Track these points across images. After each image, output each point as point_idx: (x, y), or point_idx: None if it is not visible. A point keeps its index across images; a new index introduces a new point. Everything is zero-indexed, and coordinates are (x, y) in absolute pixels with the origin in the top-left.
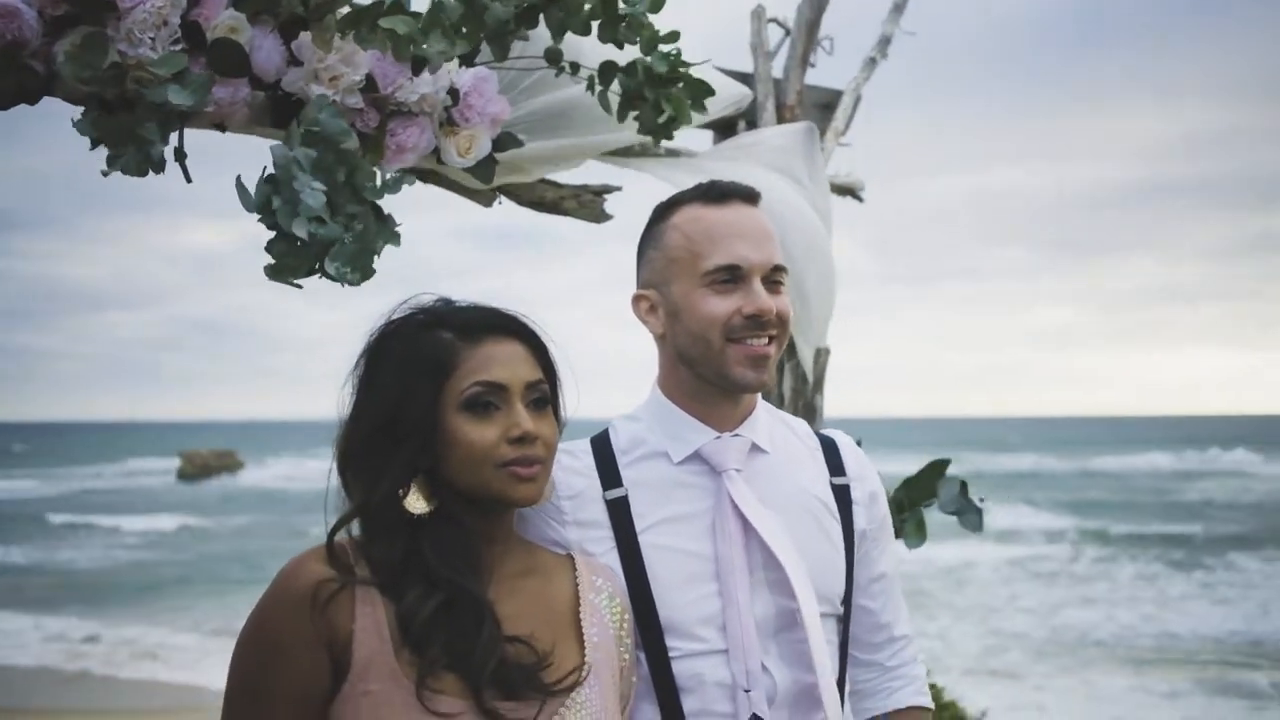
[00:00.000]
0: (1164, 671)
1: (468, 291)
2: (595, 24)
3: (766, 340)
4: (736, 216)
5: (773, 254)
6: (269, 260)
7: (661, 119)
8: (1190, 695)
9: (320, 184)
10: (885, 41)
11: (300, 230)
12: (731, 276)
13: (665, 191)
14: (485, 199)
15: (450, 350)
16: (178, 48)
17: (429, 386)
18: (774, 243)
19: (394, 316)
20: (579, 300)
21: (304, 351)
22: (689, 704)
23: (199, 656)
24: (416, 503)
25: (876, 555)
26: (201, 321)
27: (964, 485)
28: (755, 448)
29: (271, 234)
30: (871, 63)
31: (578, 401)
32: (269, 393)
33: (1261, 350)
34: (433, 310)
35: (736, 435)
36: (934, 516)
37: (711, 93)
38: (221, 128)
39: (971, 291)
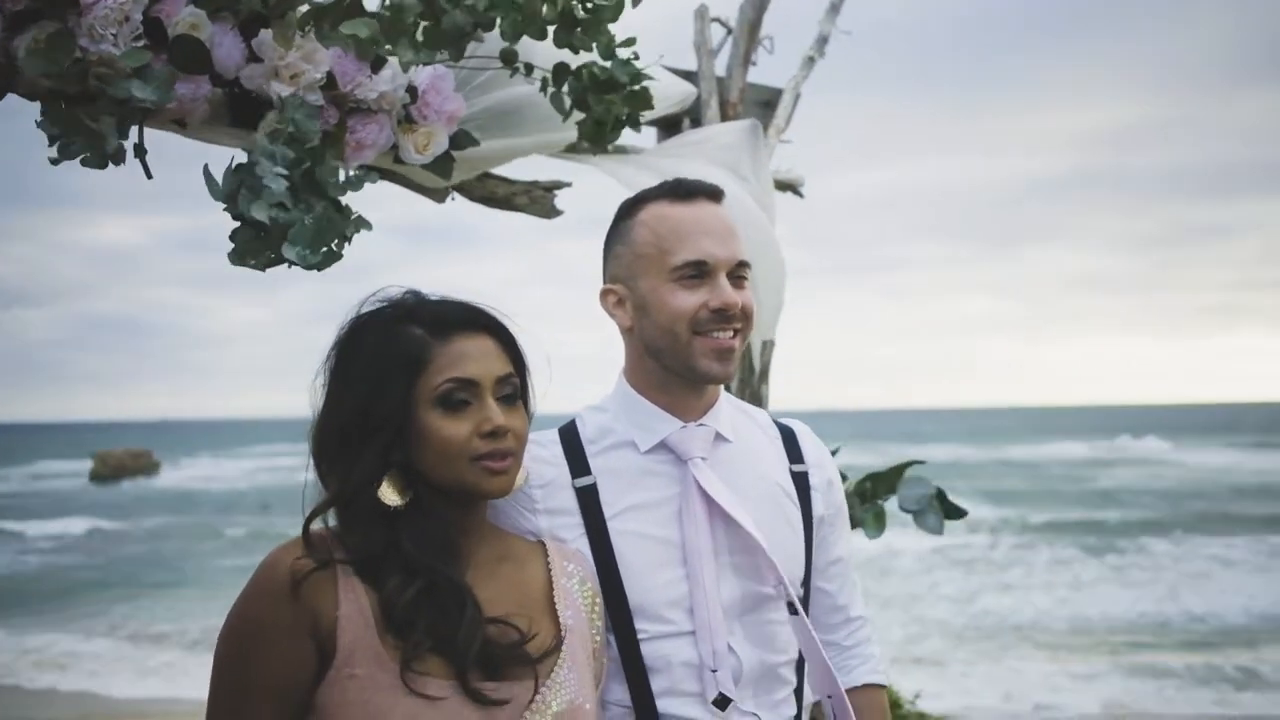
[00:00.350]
0: (1081, 655)
1: (403, 281)
2: (550, 29)
3: (731, 333)
4: (702, 214)
5: (737, 250)
6: (230, 248)
7: (599, 126)
8: (1107, 677)
9: (283, 170)
10: (823, 41)
11: (261, 214)
12: (698, 272)
13: (611, 188)
14: (438, 195)
15: (422, 346)
16: (140, 44)
17: (402, 383)
18: (738, 239)
19: (364, 309)
20: (506, 296)
21: (222, 349)
22: (657, 684)
23: (111, 663)
24: (391, 495)
25: (834, 540)
26: (114, 319)
27: (941, 492)
28: (719, 437)
29: (235, 224)
30: (810, 61)
31: (547, 392)
32: (186, 391)
33: (1172, 340)
34: (404, 304)
35: (701, 425)
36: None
37: (650, 106)
38: (182, 124)
39: (894, 283)
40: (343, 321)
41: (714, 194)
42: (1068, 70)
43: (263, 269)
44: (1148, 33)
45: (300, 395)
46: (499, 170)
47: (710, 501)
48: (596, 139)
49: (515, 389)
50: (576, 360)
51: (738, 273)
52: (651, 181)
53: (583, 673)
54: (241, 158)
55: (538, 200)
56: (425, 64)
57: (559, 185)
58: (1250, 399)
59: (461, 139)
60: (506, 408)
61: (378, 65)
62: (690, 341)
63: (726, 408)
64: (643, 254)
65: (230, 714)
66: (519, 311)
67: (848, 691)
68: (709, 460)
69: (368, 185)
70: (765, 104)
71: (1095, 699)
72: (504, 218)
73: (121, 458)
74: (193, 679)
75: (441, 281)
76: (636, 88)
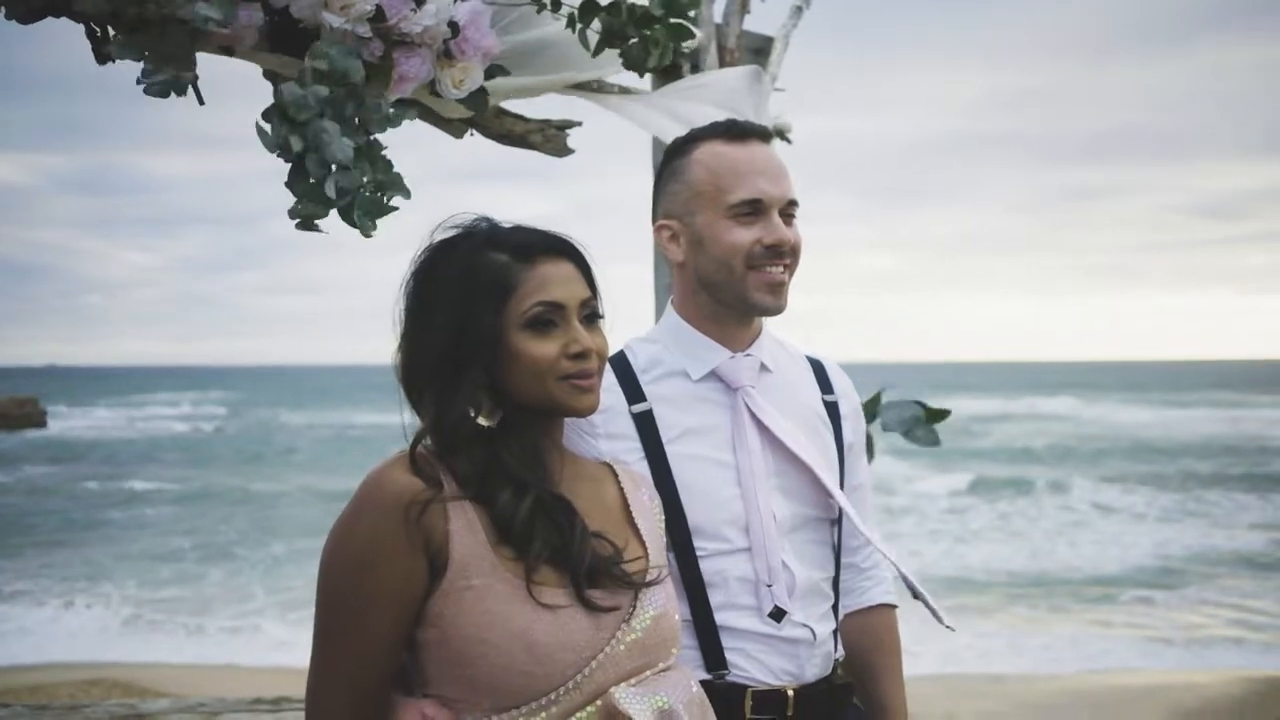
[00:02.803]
0: (963, 601)
1: (294, 231)
2: None
3: (782, 268)
4: (756, 154)
5: (788, 189)
6: (291, 202)
7: (651, 59)
8: (985, 624)
9: (349, 139)
10: None
11: (330, 190)
12: (753, 210)
13: (611, 125)
14: (457, 130)
15: (509, 272)
16: None
17: (491, 308)
18: (788, 179)
19: (440, 238)
20: (410, 244)
21: (113, 294)
22: (715, 598)
23: None
24: (485, 416)
25: (857, 466)
26: None
27: (922, 404)
28: (763, 367)
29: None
30: (798, 10)
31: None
32: (75, 338)
33: (1065, 299)
34: (482, 232)
35: (748, 355)
36: None
37: (691, 35)
38: (230, 51)
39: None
40: (418, 251)
41: (765, 135)
42: (975, 34)
43: (324, 229)
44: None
45: (193, 344)
46: (515, 108)
47: (760, 427)
48: (644, 68)
49: (595, 311)
50: None
51: (788, 210)
52: (662, 121)
53: (666, 583)
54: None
55: (551, 139)
56: None
57: (570, 124)
58: (1148, 357)
59: (493, 71)
60: (589, 328)
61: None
62: (745, 275)
63: (768, 340)
64: (700, 191)
65: (351, 627)
66: None
67: (862, 610)
68: (756, 389)
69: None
70: (757, 51)
71: (977, 643)
72: (465, 163)
73: (6, 405)
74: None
75: (339, 229)
76: (675, 20)
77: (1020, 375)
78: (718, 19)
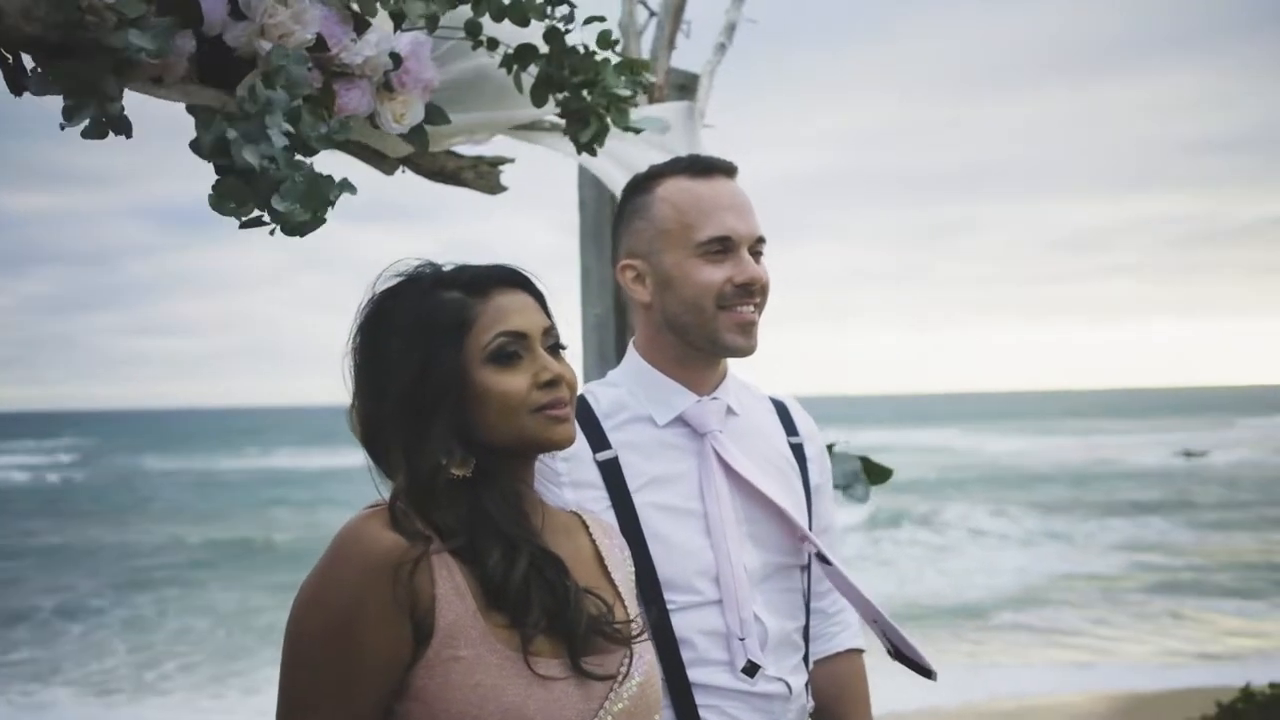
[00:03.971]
0: None
1: (155, 269)
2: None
3: (753, 307)
4: (723, 189)
5: (756, 225)
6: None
7: (588, 132)
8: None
9: (288, 125)
10: (731, 28)
11: (253, 158)
12: (723, 247)
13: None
14: (389, 166)
15: (464, 307)
16: None
17: (451, 346)
18: (755, 215)
19: (382, 286)
20: (278, 281)
21: None
22: (687, 654)
23: None
24: (459, 466)
25: (823, 508)
26: None
27: (866, 460)
28: (730, 410)
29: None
30: (721, 48)
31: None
32: None
33: (935, 332)
34: (430, 274)
35: (714, 398)
36: None
37: (627, 108)
38: (159, 82)
39: None
40: (363, 302)
41: (730, 170)
42: (839, 70)
43: (241, 220)
44: (910, 36)
45: (44, 387)
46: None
47: (729, 473)
48: (587, 146)
49: (558, 340)
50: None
51: (756, 248)
52: (600, 162)
53: (648, 645)
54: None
55: (484, 175)
56: (428, 17)
57: (503, 160)
58: (1012, 388)
59: (434, 114)
60: (554, 358)
61: (361, 28)
62: (716, 316)
63: (732, 382)
64: (666, 229)
65: (331, 699)
66: (290, 299)
67: (831, 657)
68: (724, 433)
69: (123, 167)
70: (681, 88)
71: None
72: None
73: None
74: None
75: (200, 266)
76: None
77: (900, 407)
78: (645, 55)
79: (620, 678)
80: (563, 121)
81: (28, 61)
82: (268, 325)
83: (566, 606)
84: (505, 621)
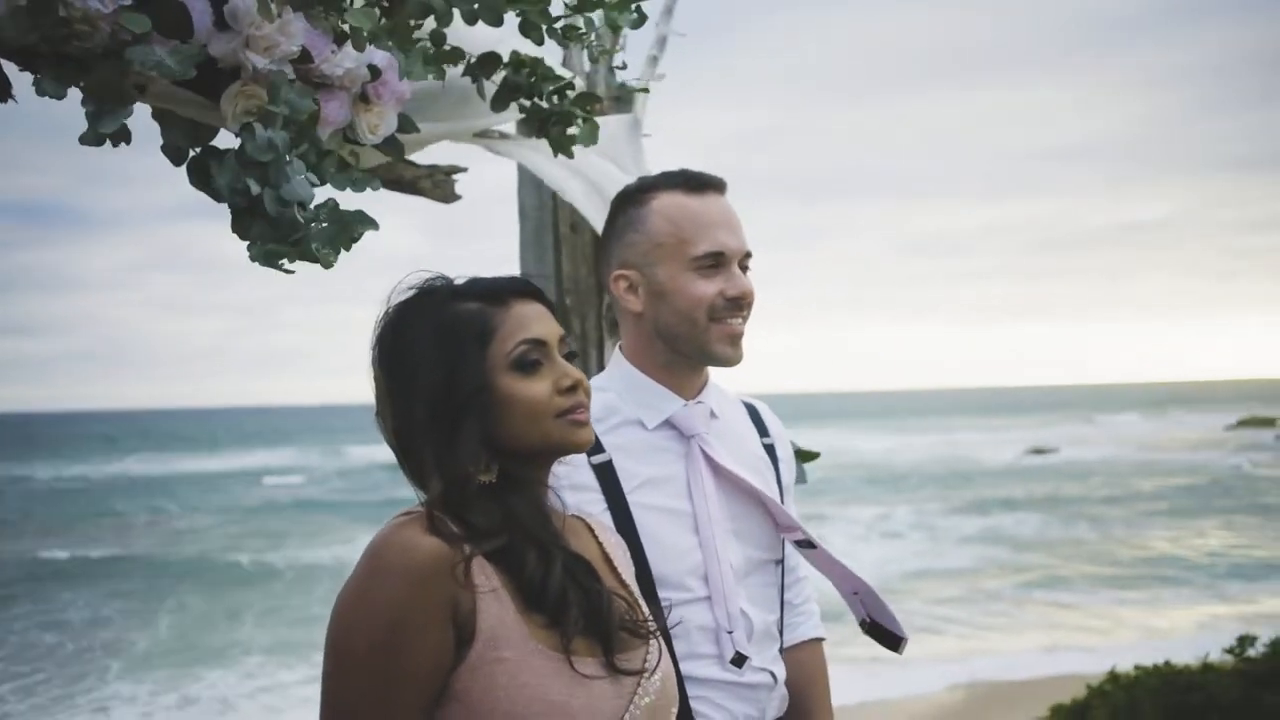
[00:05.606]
0: None
1: None
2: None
3: (741, 320)
4: (715, 206)
5: (745, 241)
6: (249, 244)
7: (570, 130)
8: None
9: (314, 177)
10: (662, 40)
11: (278, 206)
12: (716, 262)
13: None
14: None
15: (485, 316)
16: (128, 2)
17: (475, 354)
18: (743, 231)
19: (398, 300)
20: (126, 282)
21: None
22: (679, 648)
23: None
24: (485, 472)
25: (791, 507)
26: None
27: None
28: (712, 413)
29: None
30: (654, 60)
31: None
32: None
33: (805, 332)
34: (444, 287)
35: (699, 403)
36: None
37: (593, 108)
38: (143, 89)
39: None
40: (379, 316)
41: (721, 187)
42: (714, 75)
43: (292, 270)
44: (783, 42)
45: None
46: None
47: (715, 473)
48: (563, 145)
49: (572, 348)
50: (211, 351)
51: (745, 262)
52: (554, 171)
53: (662, 642)
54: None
55: (440, 184)
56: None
57: (457, 169)
58: (880, 388)
59: (405, 123)
60: (570, 364)
61: (340, 41)
62: (708, 327)
63: (712, 387)
64: (661, 243)
65: (381, 706)
66: (140, 301)
67: (796, 646)
68: (708, 436)
69: None
70: (616, 99)
71: None
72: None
73: None
74: None
75: (48, 264)
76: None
77: (770, 407)
78: (586, 67)
79: (646, 673)
80: (512, 131)
81: (11, 69)
82: (116, 326)
83: (600, 606)
84: (544, 622)
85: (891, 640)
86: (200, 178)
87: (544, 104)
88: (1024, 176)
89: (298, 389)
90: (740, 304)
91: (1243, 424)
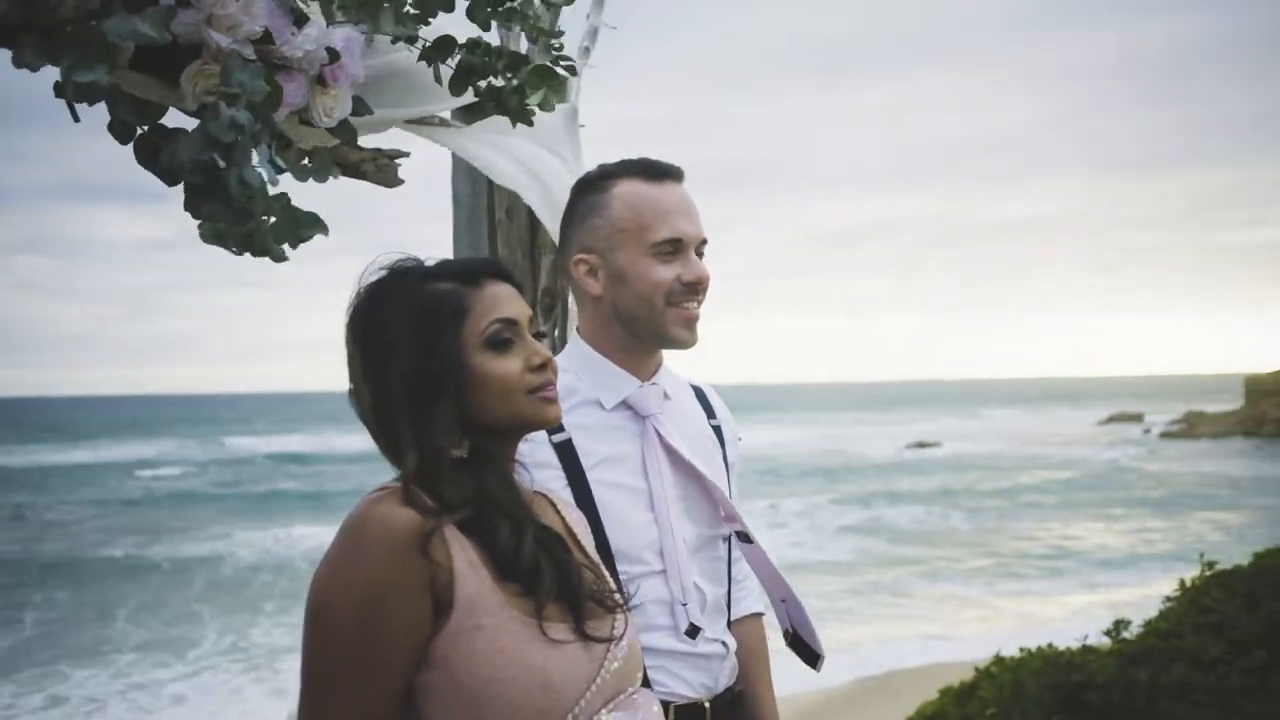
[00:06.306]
0: None
1: None
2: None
3: (697, 304)
4: (673, 194)
5: (701, 228)
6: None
7: (531, 100)
8: None
9: (278, 162)
10: (594, 31)
11: (239, 189)
12: (674, 248)
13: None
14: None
15: (460, 296)
16: None
17: (450, 332)
18: (700, 218)
19: (371, 279)
20: None
21: None
22: (636, 620)
23: None
24: (457, 447)
25: (734, 487)
26: None
27: None
28: (665, 395)
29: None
30: (586, 51)
31: None
32: None
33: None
34: (418, 267)
35: (654, 384)
36: None
37: (559, 83)
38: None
39: None
40: (353, 294)
41: (679, 176)
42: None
43: (239, 252)
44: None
45: None
46: None
47: (670, 453)
48: (521, 116)
49: (539, 328)
50: (87, 338)
51: (700, 249)
52: (494, 157)
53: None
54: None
55: (384, 169)
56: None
57: (400, 154)
58: (771, 381)
59: (360, 107)
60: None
61: (300, 22)
62: (665, 311)
63: (665, 369)
64: (622, 228)
65: (363, 675)
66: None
67: (739, 619)
68: (661, 416)
69: None
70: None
71: None
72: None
73: None
74: None
75: None
76: (550, 69)
77: None
78: (524, 49)
79: (615, 639)
80: (448, 118)
81: None
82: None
83: (571, 576)
84: (518, 591)
85: (810, 656)
86: (147, 155)
87: (499, 82)
88: (917, 170)
89: (178, 377)
90: (696, 289)
91: (1113, 419)
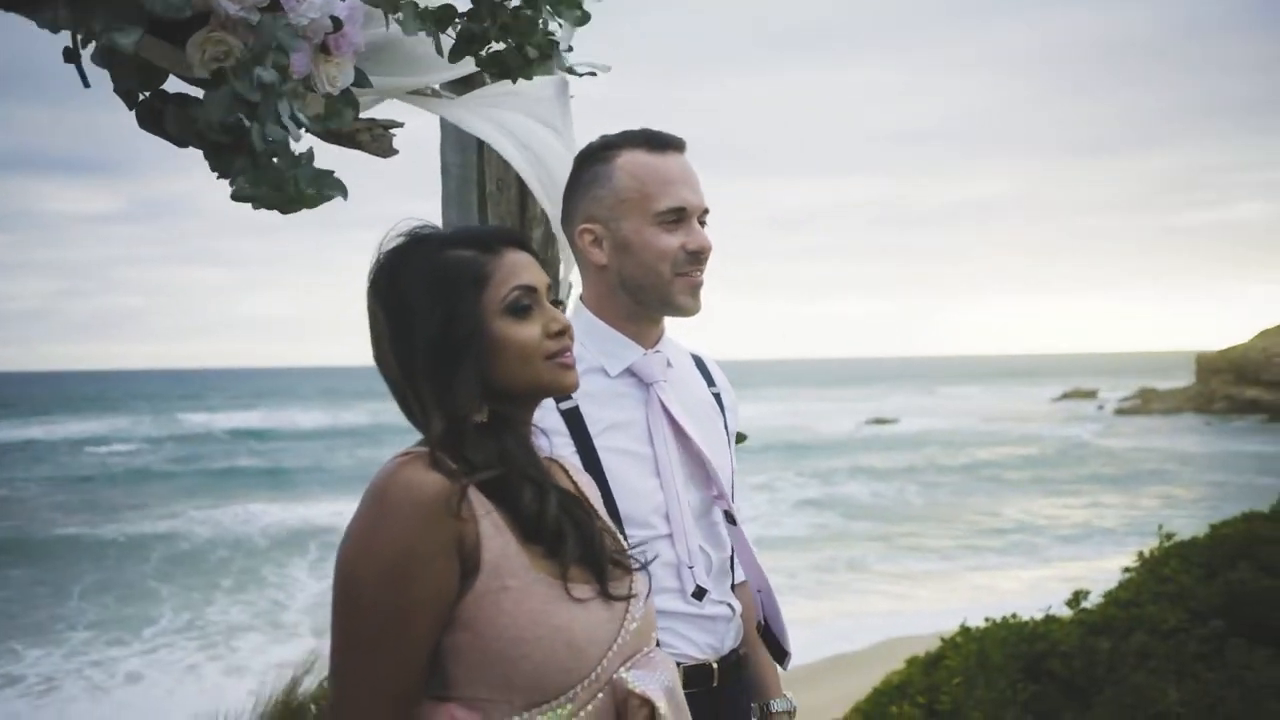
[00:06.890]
0: None
1: None
2: None
3: (700, 271)
4: (677, 164)
5: (704, 198)
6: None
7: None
8: None
9: (300, 118)
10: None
11: (263, 143)
12: (678, 217)
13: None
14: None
15: (480, 263)
16: None
17: (471, 298)
18: (702, 188)
19: (391, 246)
20: None
21: None
22: None
23: None
24: (479, 411)
25: (734, 455)
26: None
27: None
28: (668, 363)
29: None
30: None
31: None
32: None
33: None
34: (438, 234)
35: (657, 352)
36: None
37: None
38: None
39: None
40: (373, 261)
41: (681, 146)
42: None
43: (274, 208)
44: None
45: None
46: None
47: (671, 419)
48: (522, 71)
49: (556, 295)
50: (39, 313)
51: (703, 218)
52: (489, 129)
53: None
54: None
55: (379, 139)
56: None
57: (394, 124)
58: (726, 357)
59: (360, 77)
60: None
61: None
62: (671, 279)
63: (667, 338)
64: (626, 198)
65: (391, 636)
66: None
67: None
68: (665, 383)
69: None
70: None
71: None
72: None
73: None
74: None
75: None
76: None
77: None
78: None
79: (633, 600)
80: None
81: None
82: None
83: (593, 537)
84: (542, 552)
85: (779, 652)
86: (150, 121)
87: (501, 45)
88: (862, 156)
89: (131, 353)
90: (700, 257)
91: (1067, 396)
